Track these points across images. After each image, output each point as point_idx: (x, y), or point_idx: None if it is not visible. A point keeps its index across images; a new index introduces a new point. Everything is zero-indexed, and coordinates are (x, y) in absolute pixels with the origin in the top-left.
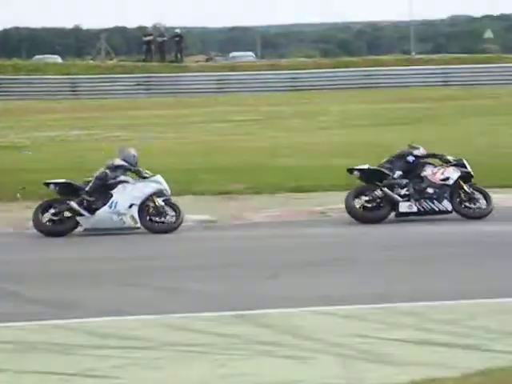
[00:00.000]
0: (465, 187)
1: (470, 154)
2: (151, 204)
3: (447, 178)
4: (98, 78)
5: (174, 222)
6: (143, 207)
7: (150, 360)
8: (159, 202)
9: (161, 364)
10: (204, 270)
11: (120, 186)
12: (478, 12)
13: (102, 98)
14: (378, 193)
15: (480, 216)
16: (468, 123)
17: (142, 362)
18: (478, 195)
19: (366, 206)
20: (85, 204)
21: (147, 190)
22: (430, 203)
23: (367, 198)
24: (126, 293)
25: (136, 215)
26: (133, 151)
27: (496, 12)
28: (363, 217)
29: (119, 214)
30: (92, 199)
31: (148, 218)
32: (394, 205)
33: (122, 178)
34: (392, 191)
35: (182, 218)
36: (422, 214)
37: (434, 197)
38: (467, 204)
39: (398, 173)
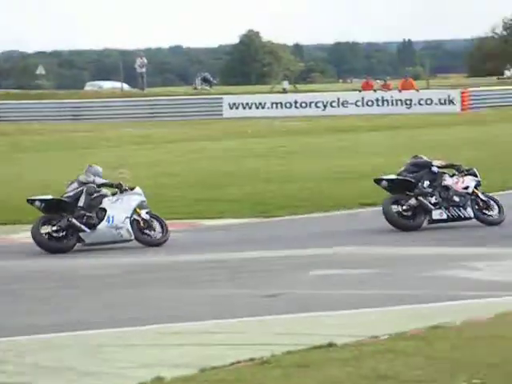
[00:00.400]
0: (480, 195)
1: None
2: (138, 217)
3: (467, 187)
4: None
5: (164, 235)
6: (132, 220)
7: None
8: (144, 214)
9: None
10: None
11: (106, 200)
12: (30, 48)
13: None
14: (413, 201)
15: (498, 223)
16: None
17: None
18: (492, 203)
19: (404, 214)
20: (84, 220)
21: (133, 202)
22: (457, 210)
23: (405, 207)
24: None
25: (130, 228)
26: (100, 167)
27: (49, 49)
28: (403, 225)
29: (117, 228)
30: (90, 214)
31: (139, 230)
32: (427, 213)
33: (103, 191)
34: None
35: (168, 231)
36: (450, 221)
37: (460, 204)
38: (485, 211)
39: (427, 183)
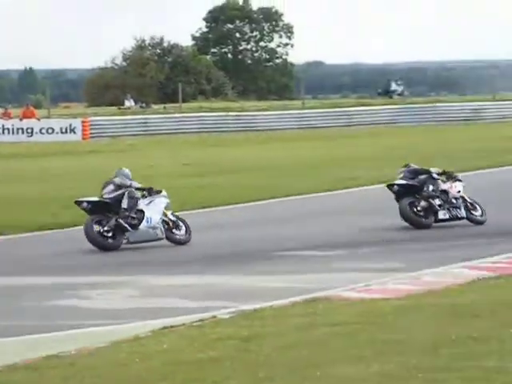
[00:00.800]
0: (467, 198)
1: None
2: (166, 218)
3: (459, 191)
4: None
5: (189, 235)
6: (162, 221)
7: None
8: (170, 215)
9: None
10: None
11: (141, 202)
12: None
13: None
14: (424, 203)
15: (483, 222)
16: None
17: None
18: (476, 205)
19: (419, 214)
20: (128, 220)
21: (162, 204)
22: (456, 211)
23: (419, 208)
24: None
25: (162, 228)
26: (128, 170)
27: None
28: (419, 223)
29: (154, 228)
30: (133, 215)
31: (169, 230)
32: (435, 213)
33: (137, 194)
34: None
35: (190, 231)
36: (451, 220)
37: (457, 206)
38: (473, 212)
39: (431, 187)
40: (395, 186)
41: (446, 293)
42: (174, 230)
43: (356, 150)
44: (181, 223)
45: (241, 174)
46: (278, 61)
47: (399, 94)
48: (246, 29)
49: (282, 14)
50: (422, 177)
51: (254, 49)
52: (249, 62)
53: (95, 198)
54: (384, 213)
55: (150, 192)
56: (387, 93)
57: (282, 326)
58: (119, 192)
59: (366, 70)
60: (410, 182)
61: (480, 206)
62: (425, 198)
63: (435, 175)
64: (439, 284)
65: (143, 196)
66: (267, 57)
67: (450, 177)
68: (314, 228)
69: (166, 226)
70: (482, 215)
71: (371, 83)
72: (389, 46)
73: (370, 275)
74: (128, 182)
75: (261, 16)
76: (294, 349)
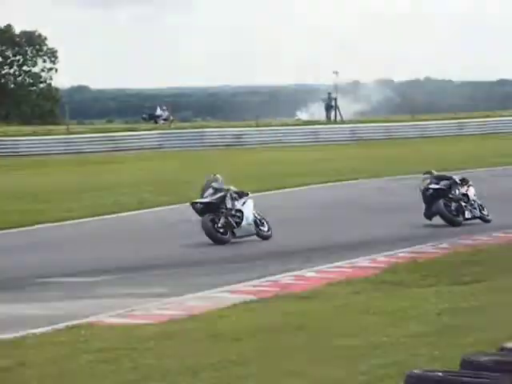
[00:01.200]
0: (477, 200)
1: None
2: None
3: (474, 194)
4: None
5: (270, 232)
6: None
7: None
8: (255, 213)
9: None
10: None
11: (237, 203)
12: None
13: None
14: (455, 204)
15: (490, 221)
16: None
17: None
18: (484, 206)
19: (453, 213)
20: (235, 219)
21: (251, 205)
22: (475, 211)
23: (453, 208)
24: None
25: (254, 225)
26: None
27: None
28: (453, 221)
29: (250, 225)
30: (236, 214)
31: (257, 227)
32: (463, 213)
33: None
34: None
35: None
36: (472, 219)
37: (475, 207)
38: (483, 212)
39: (457, 191)
40: (430, 190)
41: (208, 317)
42: (260, 227)
43: (120, 175)
44: (264, 221)
45: (2, 200)
46: (42, 85)
47: (165, 119)
48: (9, 53)
49: (45, 38)
50: (446, 182)
51: (17, 73)
52: (12, 86)
53: (206, 200)
54: (156, 239)
55: (242, 195)
56: (152, 118)
57: (43, 354)
58: (220, 194)
59: (131, 95)
60: (443, 187)
61: (485, 207)
62: (454, 200)
63: (458, 180)
64: (201, 308)
65: (235, 198)
66: (31, 81)
67: (465, 182)
68: (81, 254)
69: (256, 224)
70: (488, 215)
71: (137, 108)
72: (152, 71)
73: (134, 300)
74: (226, 187)
75: (24, 40)
76: (57, 379)
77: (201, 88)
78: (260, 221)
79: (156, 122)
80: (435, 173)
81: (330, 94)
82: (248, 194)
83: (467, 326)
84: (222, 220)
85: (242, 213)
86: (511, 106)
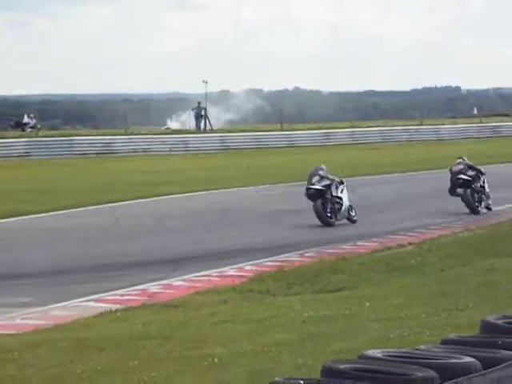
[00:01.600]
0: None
1: None
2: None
3: (488, 186)
4: None
5: (356, 217)
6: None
7: None
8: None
9: None
10: None
11: (336, 190)
12: None
13: None
14: (478, 195)
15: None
16: None
17: None
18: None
19: (476, 202)
20: (337, 205)
21: (346, 192)
22: (489, 202)
23: (476, 197)
24: None
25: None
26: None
27: None
28: (475, 210)
29: (347, 210)
30: (338, 201)
31: (348, 212)
32: (480, 203)
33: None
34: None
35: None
36: (490, 209)
37: (490, 197)
38: (489, 202)
39: (480, 182)
40: (460, 180)
41: (73, 327)
42: (350, 212)
43: None
44: (353, 207)
45: None
46: None
47: (32, 127)
48: None
49: None
50: (473, 172)
51: None
52: None
53: (317, 187)
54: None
55: (340, 183)
56: (19, 125)
57: None
58: (326, 182)
59: None
60: (469, 178)
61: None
62: (476, 192)
63: (483, 171)
64: (67, 318)
65: (337, 187)
66: None
67: (481, 173)
68: None
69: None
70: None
71: (6, 116)
72: (18, 78)
73: None
74: (331, 176)
75: None
76: None
77: (69, 95)
78: (351, 207)
79: (23, 130)
80: (466, 160)
81: (199, 103)
82: (344, 183)
83: (331, 333)
84: (330, 205)
85: (342, 199)
86: (377, 117)
